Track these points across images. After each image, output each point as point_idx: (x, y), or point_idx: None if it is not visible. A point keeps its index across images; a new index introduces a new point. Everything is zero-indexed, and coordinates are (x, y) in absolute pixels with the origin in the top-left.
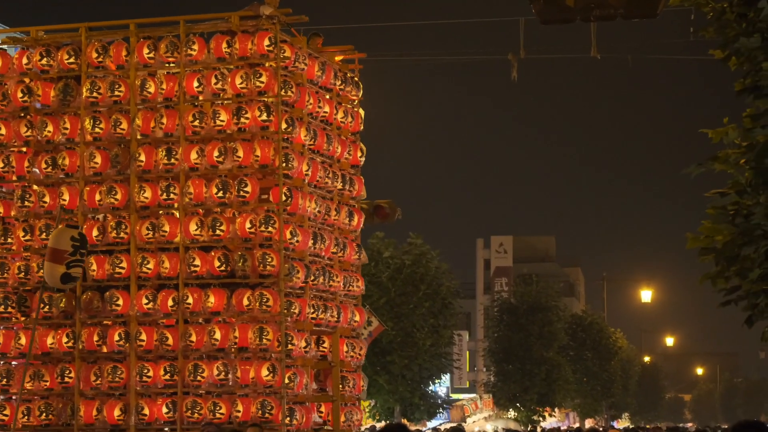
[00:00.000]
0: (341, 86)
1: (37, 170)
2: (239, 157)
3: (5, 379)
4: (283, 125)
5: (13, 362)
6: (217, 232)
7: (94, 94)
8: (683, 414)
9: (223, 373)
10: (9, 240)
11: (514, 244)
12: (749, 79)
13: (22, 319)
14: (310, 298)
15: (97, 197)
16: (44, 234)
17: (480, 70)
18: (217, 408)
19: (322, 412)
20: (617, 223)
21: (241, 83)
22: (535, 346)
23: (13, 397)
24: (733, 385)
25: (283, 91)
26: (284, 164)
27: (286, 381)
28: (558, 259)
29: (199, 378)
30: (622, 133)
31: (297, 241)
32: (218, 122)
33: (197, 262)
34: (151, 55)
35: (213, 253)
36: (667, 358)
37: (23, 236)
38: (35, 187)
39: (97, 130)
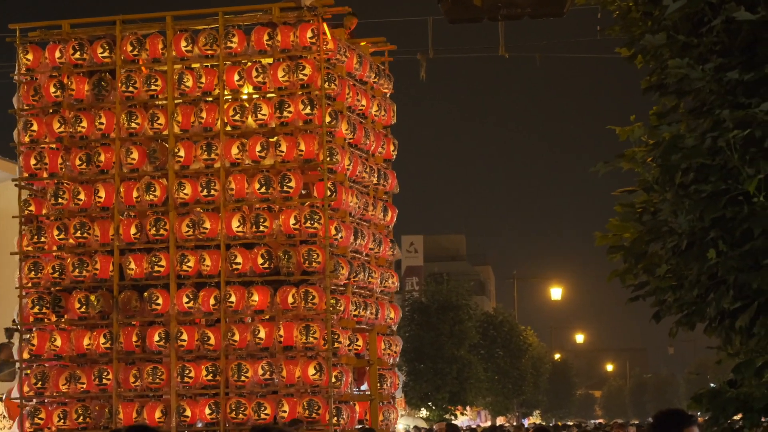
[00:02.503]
0: (375, 79)
1: (70, 167)
2: (282, 151)
3: (40, 382)
4: (327, 119)
5: (46, 364)
6: (261, 228)
7: (130, 89)
8: (594, 410)
9: (268, 373)
10: (42, 239)
11: (424, 243)
12: (655, 76)
13: (55, 320)
14: (351, 295)
15: (135, 194)
16: (78, 232)
17: (389, 69)
18: (262, 408)
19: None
20: (527, 222)
21: (284, 76)
22: (446, 345)
23: (46, 401)
24: (642, 381)
25: (327, 84)
26: (328, 158)
27: (333, 380)
28: (468, 257)
29: (243, 378)
30: (531, 132)
31: (341, 237)
32: (260, 116)
33: (239, 259)
34: (189, 48)
35: (256, 250)
36: (578, 355)
37: (57, 235)
38: (68, 184)
39: (133, 125)
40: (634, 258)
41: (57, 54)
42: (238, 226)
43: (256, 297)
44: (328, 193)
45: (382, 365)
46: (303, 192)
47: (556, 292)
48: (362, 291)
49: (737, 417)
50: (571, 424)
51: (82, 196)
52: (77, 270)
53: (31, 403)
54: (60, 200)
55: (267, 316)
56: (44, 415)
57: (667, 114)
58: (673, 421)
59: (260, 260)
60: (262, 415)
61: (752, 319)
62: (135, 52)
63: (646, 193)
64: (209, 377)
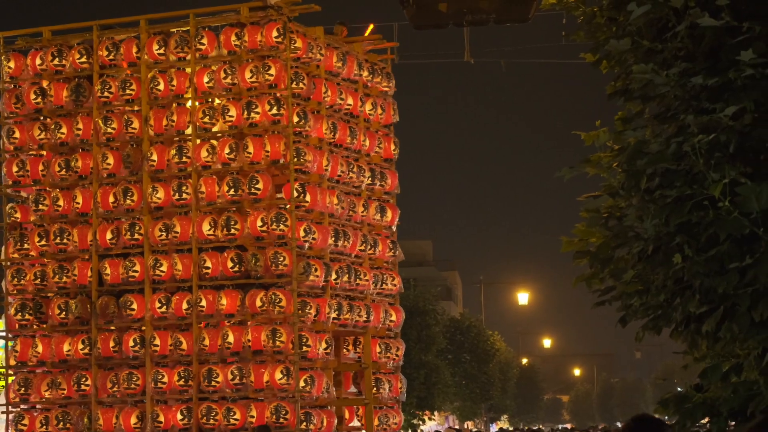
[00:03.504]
0: (368, 77)
1: (52, 173)
2: (250, 153)
3: (23, 388)
4: (295, 119)
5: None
6: (232, 231)
7: (106, 94)
8: (561, 415)
9: (238, 377)
10: (26, 246)
11: None
12: (620, 82)
13: (42, 326)
14: (332, 297)
15: (111, 199)
16: (58, 239)
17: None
18: (231, 414)
19: (360, 416)
20: (493, 227)
21: (251, 77)
22: (413, 350)
23: (37, 406)
24: (609, 385)
25: (294, 83)
26: (296, 159)
27: (302, 384)
28: (435, 263)
29: (213, 383)
30: (497, 137)
31: (313, 239)
32: (228, 118)
33: (208, 263)
34: (161, 51)
35: (225, 254)
36: (545, 359)
37: (38, 241)
38: (48, 190)
39: (109, 130)
40: (600, 263)
41: (38, 61)
42: (209, 230)
43: (224, 301)
44: (296, 194)
45: (380, 368)
46: (279, 195)
47: (523, 297)
48: (348, 293)
49: (704, 421)
50: (542, 428)
51: (61, 203)
52: (57, 276)
53: (16, 409)
54: (41, 207)
55: (237, 320)
56: (27, 422)
57: (632, 119)
58: (646, 428)
59: (230, 263)
60: (232, 420)
61: (718, 323)
62: (111, 57)
63: (611, 198)
64: (181, 382)
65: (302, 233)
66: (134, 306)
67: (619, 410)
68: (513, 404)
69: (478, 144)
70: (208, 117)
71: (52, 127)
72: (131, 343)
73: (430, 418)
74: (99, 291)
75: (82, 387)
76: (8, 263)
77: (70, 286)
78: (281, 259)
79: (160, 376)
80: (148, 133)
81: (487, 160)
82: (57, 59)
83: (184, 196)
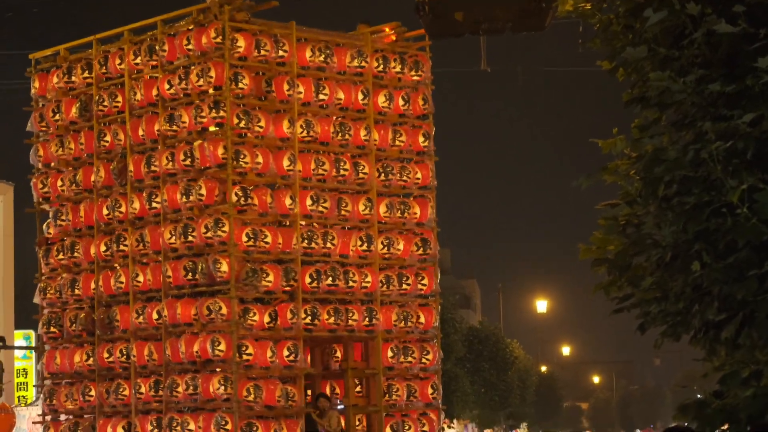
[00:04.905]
0: (381, 68)
1: (65, 189)
2: (197, 158)
3: (48, 399)
4: (235, 120)
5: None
6: (189, 238)
7: (101, 107)
8: (581, 422)
9: (192, 388)
10: (51, 260)
11: None
12: (637, 89)
13: (53, 339)
14: (306, 302)
15: (105, 212)
16: (70, 252)
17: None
18: (186, 424)
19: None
20: (512, 235)
21: (197, 81)
22: None
23: (66, 417)
24: (629, 393)
25: (234, 84)
26: (235, 161)
27: (244, 394)
28: (454, 271)
29: (174, 393)
30: (514, 146)
31: (266, 243)
32: (182, 124)
33: (169, 272)
34: (137, 61)
35: (179, 263)
36: (564, 367)
37: (56, 255)
38: (65, 205)
39: (103, 143)
40: (619, 270)
41: (55, 80)
42: (170, 238)
43: (179, 310)
44: (235, 198)
45: (401, 374)
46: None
47: (541, 305)
48: (332, 296)
49: (724, 427)
50: None
51: (69, 217)
52: (70, 290)
53: (48, 418)
54: (59, 222)
55: (194, 330)
56: (52, 431)
57: (650, 127)
58: None
59: (183, 272)
60: (186, 431)
61: (737, 330)
62: (103, 71)
63: (629, 206)
64: (152, 393)
65: (245, 238)
66: (118, 317)
67: (639, 418)
68: (532, 412)
69: (494, 152)
70: (168, 124)
71: (67, 143)
72: (118, 354)
73: (449, 426)
74: (101, 303)
75: (86, 398)
76: (40, 277)
77: (83, 298)
78: (218, 265)
79: (138, 387)
80: (130, 143)
81: (505, 167)
82: (67, 76)
83: (154, 205)
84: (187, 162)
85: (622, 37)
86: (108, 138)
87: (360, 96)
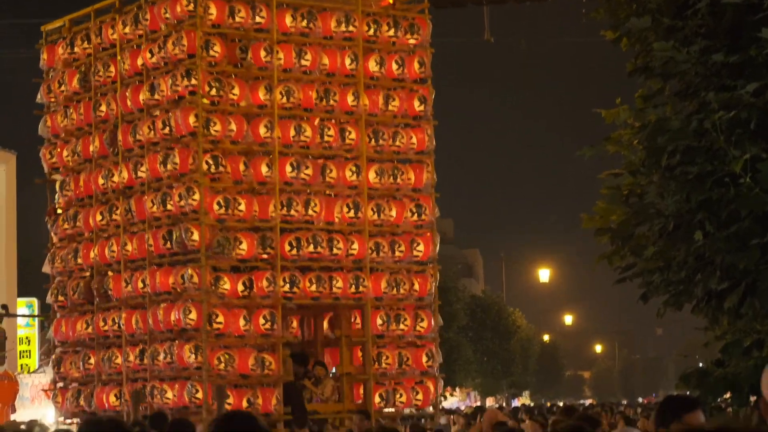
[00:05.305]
0: (372, 33)
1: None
2: (171, 127)
3: (57, 367)
4: (206, 88)
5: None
6: (168, 207)
7: (96, 78)
8: (583, 391)
9: (169, 356)
10: (58, 230)
11: None
12: (640, 59)
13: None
14: (286, 270)
15: (101, 181)
16: (72, 222)
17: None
18: (164, 393)
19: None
20: (514, 204)
21: (174, 49)
22: None
23: (71, 384)
24: (631, 362)
25: (205, 52)
26: (205, 129)
27: (216, 362)
28: (456, 240)
29: (156, 362)
30: (517, 115)
31: (240, 211)
32: (160, 93)
33: (151, 241)
34: (126, 30)
35: (158, 231)
36: (566, 336)
37: (62, 225)
38: (70, 175)
39: (98, 113)
40: (621, 240)
41: (60, 51)
42: (152, 207)
43: (158, 279)
44: (206, 166)
45: (393, 342)
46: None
47: (544, 274)
48: (315, 263)
49: (726, 396)
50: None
51: (72, 187)
52: (73, 259)
53: (59, 386)
54: (65, 192)
55: (171, 299)
56: (60, 399)
57: (653, 96)
58: (678, 405)
59: (161, 241)
60: (164, 399)
61: (740, 299)
62: (99, 41)
63: (632, 175)
64: (137, 362)
65: (216, 206)
66: (111, 285)
67: (641, 387)
68: (534, 381)
69: (496, 122)
70: (150, 94)
71: (70, 113)
72: (110, 323)
73: (451, 395)
74: (99, 273)
75: (86, 366)
76: (51, 247)
77: (84, 267)
78: (190, 234)
79: (127, 355)
80: (121, 113)
81: (507, 137)
82: (69, 48)
83: (140, 174)
84: (166, 131)
85: (626, 7)
86: (103, 108)
87: (347, 61)
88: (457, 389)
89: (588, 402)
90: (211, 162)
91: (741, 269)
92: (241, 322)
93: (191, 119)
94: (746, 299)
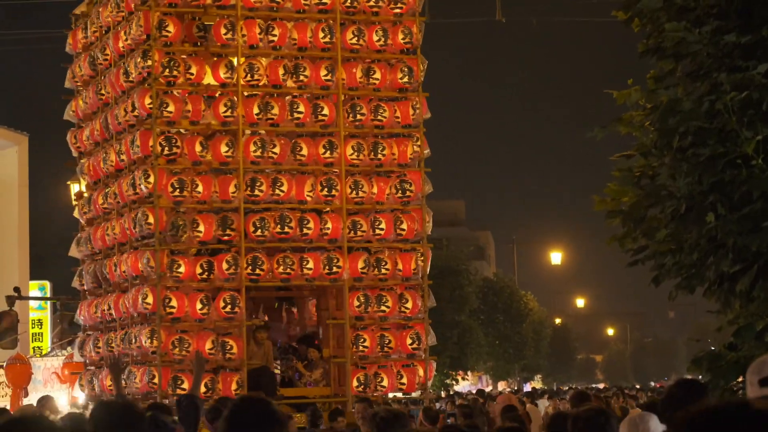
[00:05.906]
0: (347, 4)
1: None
2: (138, 109)
3: (80, 350)
4: (160, 69)
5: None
6: (136, 190)
7: (99, 62)
8: (595, 374)
9: (136, 342)
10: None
11: None
12: (652, 39)
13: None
14: (253, 252)
15: (102, 165)
16: (87, 206)
17: None
18: (133, 377)
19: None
20: (526, 187)
21: (137, 31)
22: (446, 310)
23: (89, 368)
24: (643, 345)
25: (158, 32)
26: (158, 111)
27: (170, 347)
28: (468, 223)
29: (132, 347)
30: (529, 96)
31: (198, 193)
32: (130, 76)
33: (127, 225)
34: (113, 13)
35: (129, 215)
36: (578, 319)
37: (83, 209)
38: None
39: (99, 96)
40: (633, 222)
41: (80, 35)
42: (127, 190)
43: (130, 263)
44: (159, 148)
45: (376, 323)
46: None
47: (556, 257)
48: (283, 243)
49: (738, 380)
50: (603, 386)
51: (85, 170)
52: (88, 243)
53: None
54: (83, 176)
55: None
56: (84, 382)
57: (665, 77)
58: (689, 391)
59: (132, 224)
60: (134, 385)
61: (752, 282)
62: (100, 24)
63: (644, 157)
64: (122, 345)
65: (170, 189)
66: (107, 270)
67: (653, 370)
68: (546, 364)
69: (507, 103)
70: (125, 77)
71: (84, 97)
72: (105, 308)
73: (463, 378)
74: (106, 255)
75: (96, 350)
76: (81, 231)
77: (97, 251)
78: (146, 217)
79: (112, 340)
80: (113, 97)
81: (519, 118)
82: (84, 32)
83: (122, 158)
84: (135, 113)
85: None
86: (103, 92)
87: (321, 34)
88: (469, 373)
89: (601, 386)
90: (164, 144)
91: (753, 251)
92: (198, 305)
93: (146, 101)
94: (758, 282)
